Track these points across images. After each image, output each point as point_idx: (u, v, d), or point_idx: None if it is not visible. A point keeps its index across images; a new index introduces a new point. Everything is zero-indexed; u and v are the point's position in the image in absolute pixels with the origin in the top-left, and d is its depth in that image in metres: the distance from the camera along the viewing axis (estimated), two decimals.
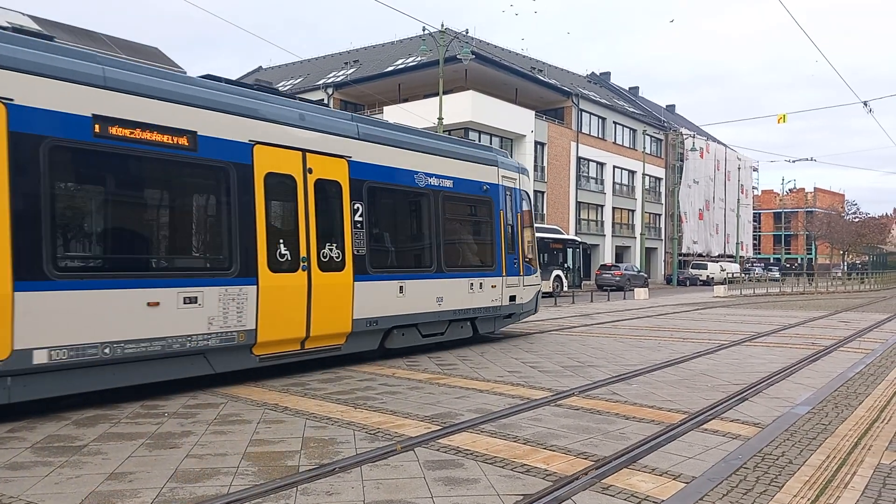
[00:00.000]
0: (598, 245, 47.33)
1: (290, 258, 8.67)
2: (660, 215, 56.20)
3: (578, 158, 44.86)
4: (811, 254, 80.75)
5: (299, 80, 45.92)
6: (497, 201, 12.62)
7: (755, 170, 70.97)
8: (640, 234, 48.37)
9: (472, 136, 35.25)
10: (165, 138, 7.42)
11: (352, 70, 43.65)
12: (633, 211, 51.79)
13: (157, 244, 7.89)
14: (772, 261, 79.11)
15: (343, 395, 7.82)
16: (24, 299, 6.27)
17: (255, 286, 8.20)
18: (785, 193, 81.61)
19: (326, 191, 9.30)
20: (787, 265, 74.48)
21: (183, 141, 7.59)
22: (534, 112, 40.14)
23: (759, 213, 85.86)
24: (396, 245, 10.79)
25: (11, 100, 6.25)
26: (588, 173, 46.97)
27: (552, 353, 11.56)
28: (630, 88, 63.58)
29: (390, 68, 40.18)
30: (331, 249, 9.25)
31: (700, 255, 57.50)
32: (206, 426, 6.33)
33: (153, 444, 5.72)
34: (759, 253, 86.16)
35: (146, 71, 7.60)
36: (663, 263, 55.94)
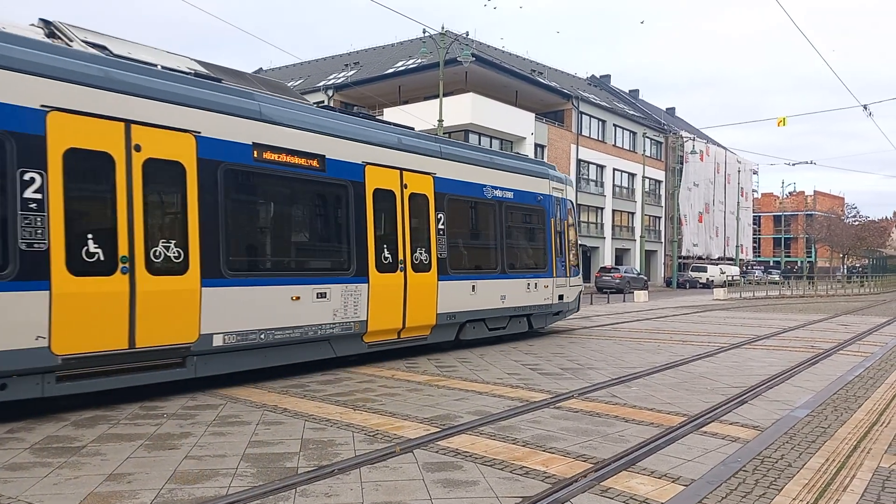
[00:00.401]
0: (597, 247, 47.34)
1: (391, 260, 10.26)
2: (660, 218, 56.23)
3: (578, 161, 44.89)
4: (811, 257, 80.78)
5: (300, 81, 45.94)
6: (548, 210, 14.22)
7: (755, 173, 70.99)
8: (640, 237, 48.40)
9: (472, 138, 35.28)
10: (303, 161, 9.00)
11: (352, 72, 43.68)
12: (632, 213, 51.81)
13: (297, 249, 9.48)
14: (771, 263, 79.14)
15: (342, 396, 7.82)
16: (207, 294, 7.75)
17: (367, 284, 9.81)
18: (785, 196, 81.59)
19: (417, 203, 10.92)
20: (788, 268, 74.47)
21: (315, 163, 9.16)
22: (534, 114, 40.17)
23: (759, 216, 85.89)
24: (469, 249, 12.38)
25: (199, 132, 7.80)
26: (588, 176, 47.00)
27: (552, 355, 11.56)
28: (630, 91, 63.66)
29: (391, 70, 40.21)
30: (421, 253, 10.88)
31: (700, 258, 57.52)
32: (205, 427, 6.32)
33: (152, 445, 5.72)
34: (759, 256, 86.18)
35: (287, 105, 9.16)
36: (663, 266, 55.95)
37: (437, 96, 28.26)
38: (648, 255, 52.67)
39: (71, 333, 6.62)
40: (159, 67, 7.98)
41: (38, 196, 6.47)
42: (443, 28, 26.97)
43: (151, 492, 4.56)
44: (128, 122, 7.18)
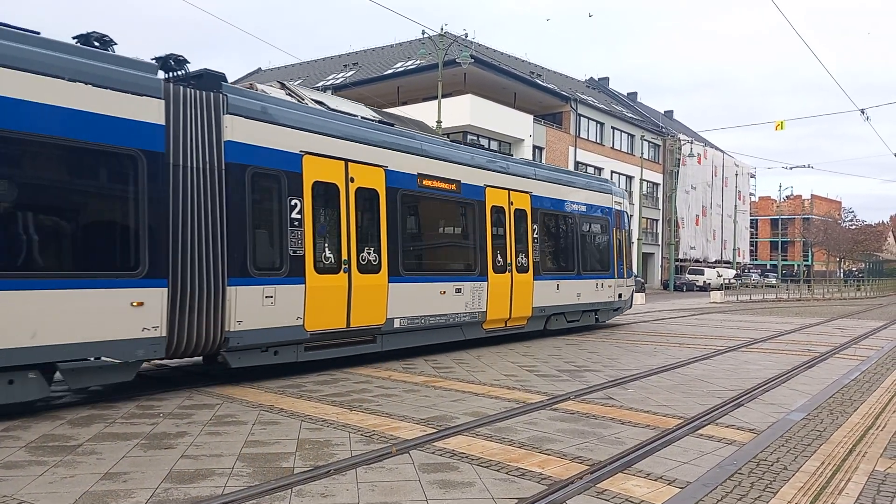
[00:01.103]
0: None
1: (502, 263, 12.80)
2: (657, 220, 56.27)
3: (576, 163, 44.91)
4: (808, 261, 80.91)
5: (298, 81, 45.85)
6: (611, 220, 16.78)
7: (752, 176, 71.12)
8: (637, 240, 48.42)
9: (471, 139, 35.27)
10: (447, 185, 11.61)
11: (351, 72, 43.66)
12: (630, 216, 51.75)
13: (443, 254, 12.11)
14: (768, 267, 79.24)
15: (339, 397, 7.82)
16: (392, 288, 10.33)
17: (487, 282, 12.35)
18: (782, 200, 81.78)
19: (519, 216, 13.43)
20: (785, 272, 74.59)
21: (454, 187, 11.75)
22: (532, 116, 40.18)
23: (756, 220, 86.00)
24: (555, 254, 14.78)
25: (387, 167, 10.36)
26: None
27: (548, 356, 11.57)
28: (628, 94, 63.72)
29: (389, 71, 40.18)
30: (522, 258, 13.33)
31: (697, 261, 57.57)
32: (201, 427, 6.32)
33: (148, 444, 5.71)
34: (756, 259, 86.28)
35: (435, 141, 12.02)
36: (660, 269, 55.98)
37: (435, 97, 28.25)
38: (645, 258, 52.69)
39: (315, 316, 9.13)
40: (359, 117, 10.67)
41: (299, 216, 8.97)
42: (442, 29, 26.97)
43: (147, 491, 4.55)
44: (346, 161, 9.72)
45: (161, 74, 8.05)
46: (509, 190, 13.15)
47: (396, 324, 10.48)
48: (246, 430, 6.23)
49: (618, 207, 17.18)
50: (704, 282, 50.29)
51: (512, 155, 16.65)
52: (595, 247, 16.21)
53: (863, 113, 26.02)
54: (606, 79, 62.60)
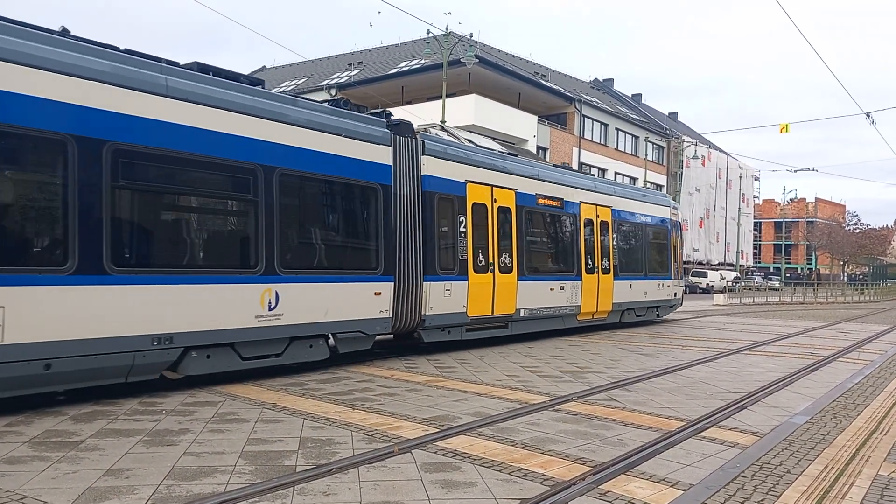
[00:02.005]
0: None
1: (591, 266, 15.46)
2: None
3: (580, 164, 44.87)
4: (811, 264, 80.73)
5: (303, 80, 45.94)
6: (669, 228, 19.49)
7: (757, 179, 70.97)
8: None
9: (475, 139, 35.24)
10: (554, 203, 14.39)
11: (356, 71, 43.67)
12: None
13: (552, 257, 14.66)
14: (772, 270, 79.10)
15: (341, 395, 7.82)
16: (520, 285, 13.01)
17: (581, 281, 15.09)
18: (786, 203, 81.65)
19: (603, 227, 16.14)
20: (790, 275, 74.44)
21: (558, 203, 14.54)
22: (536, 117, 40.15)
23: (760, 223, 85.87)
24: (628, 258, 17.35)
25: (516, 189, 13.11)
26: None
27: (551, 357, 11.56)
28: (633, 95, 63.65)
29: (394, 70, 40.19)
30: (604, 261, 16.02)
31: (700, 263, 57.47)
32: (203, 424, 6.32)
33: (150, 440, 5.71)
34: (760, 262, 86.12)
35: (545, 167, 15.38)
36: None
37: (440, 97, 28.25)
38: None
39: (473, 305, 11.90)
40: (496, 151, 13.86)
41: (464, 230, 11.77)
42: (447, 29, 26.96)
43: (149, 487, 4.55)
44: (491, 186, 12.53)
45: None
46: (596, 205, 15.97)
47: (522, 313, 13.24)
48: (248, 427, 6.23)
49: (674, 218, 20.01)
50: (707, 284, 50.19)
51: (647, 186, 19.37)
52: (657, 252, 18.82)
53: (868, 116, 25.99)
54: (611, 80, 62.53)
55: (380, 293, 10.06)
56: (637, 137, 51.90)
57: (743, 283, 48.55)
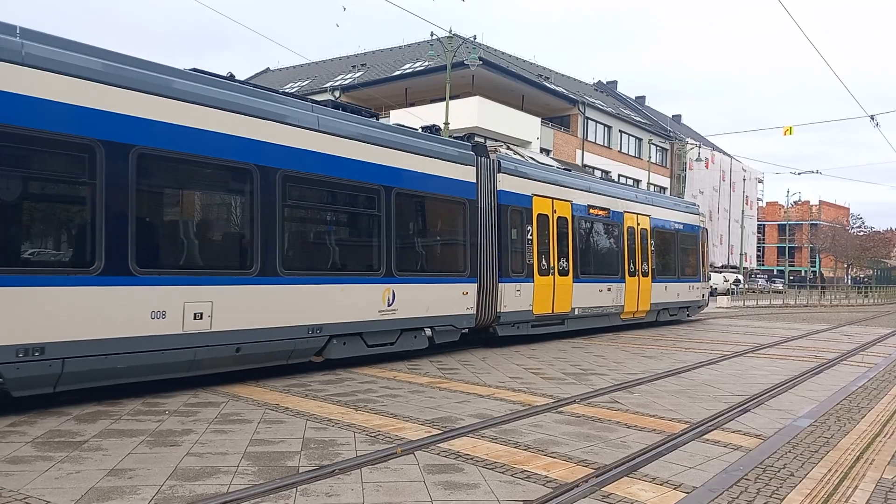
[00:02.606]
0: None
1: (633, 269, 17.22)
2: None
3: (583, 166, 44.83)
4: (815, 266, 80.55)
5: (307, 82, 45.98)
6: (698, 235, 21.41)
7: (760, 181, 70.78)
8: None
9: (478, 141, 35.23)
10: (602, 212, 16.13)
11: (359, 73, 43.70)
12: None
13: (601, 262, 16.16)
14: (775, 272, 78.91)
15: (344, 396, 7.82)
16: (575, 287, 14.72)
17: (624, 284, 16.75)
18: (790, 206, 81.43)
19: (643, 234, 17.92)
20: (791, 277, 74.27)
21: (605, 213, 16.26)
22: (540, 119, 40.12)
23: (764, 225, 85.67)
24: (663, 262, 19.03)
25: (572, 200, 14.90)
26: None
27: (554, 359, 11.54)
28: (636, 97, 63.56)
29: (398, 72, 40.22)
30: (643, 265, 17.66)
31: None
32: (206, 425, 6.32)
33: (154, 441, 5.72)
34: (763, 264, 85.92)
35: (594, 179, 17.68)
36: None
37: (443, 99, 28.22)
38: None
39: (538, 304, 13.59)
40: (554, 167, 16.49)
41: (530, 238, 13.51)
42: (451, 31, 26.97)
43: (152, 488, 4.56)
44: (552, 199, 14.24)
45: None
46: (637, 214, 17.69)
47: (576, 312, 14.86)
48: (251, 428, 6.24)
49: (702, 225, 22.02)
50: (711, 286, 49.97)
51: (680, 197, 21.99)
52: (688, 256, 20.61)
53: (872, 119, 25.90)
54: (615, 82, 62.45)
55: (467, 293, 11.87)
56: (640, 140, 51.85)
57: (746, 286, 48.34)
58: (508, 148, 15.58)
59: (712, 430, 6.60)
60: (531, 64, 47.87)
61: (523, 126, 38.29)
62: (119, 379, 7.23)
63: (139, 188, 7.27)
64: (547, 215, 14.03)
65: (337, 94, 40.93)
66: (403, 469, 5.12)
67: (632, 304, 17.14)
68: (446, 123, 26.42)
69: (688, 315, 21.05)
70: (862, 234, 69.11)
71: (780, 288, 55.52)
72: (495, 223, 12.57)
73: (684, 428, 6.64)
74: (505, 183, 12.91)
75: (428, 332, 11.11)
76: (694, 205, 22.73)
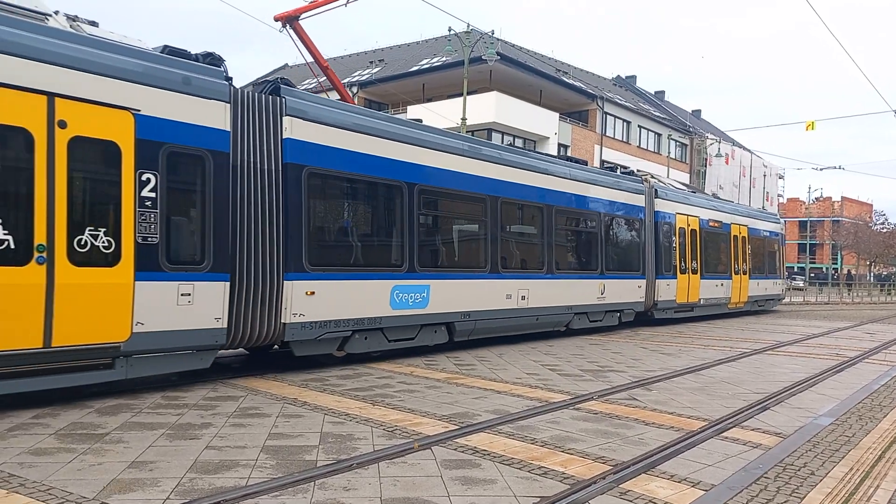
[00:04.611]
0: None
1: (737, 269, 21.81)
2: None
3: (602, 162, 44.52)
4: (836, 263, 79.50)
5: (324, 77, 46.06)
6: (779, 239, 26.35)
7: (781, 177, 69.90)
8: None
9: (496, 137, 35.18)
10: (717, 224, 20.52)
11: (377, 69, 43.73)
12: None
13: (717, 262, 20.36)
14: (796, 269, 77.99)
15: (361, 391, 7.85)
16: (702, 283, 19.30)
17: (731, 280, 21.47)
18: (811, 202, 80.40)
19: (742, 240, 22.20)
20: (812, 274, 73.33)
21: (719, 225, 20.62)
22: (558, 114, 39.91)
23: (784, 221, 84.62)
24: (757, 263, 23.70)
25: (699, 216, 19.56)
26: None
27: (571, 356, 11.51)
28: (656, 92, 63.02)
29: (415, 68, 40.18)
30: (744, 266, 22.37)
31: None
32: (225, 418, 6.38)
33: (174, 434, 5.78)
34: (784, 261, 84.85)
35: (710, 197, 23.18)
36: None
37: (460, 94, 28.18)
38: None
39: (679, 295, 18.16)
40: (686, 190, 20.99)
41: (674, 245, 18.01)
42: (468, 26, 26.90)
43: (172, 480, 4.61)
44: (687, 216, 18.57)
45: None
46: (739, 225, 22.15)
47: (701, 302, 19.43)
48: (270, 422, 6.29)
49: (782, 231, 27.19)
50: None
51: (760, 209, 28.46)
52: (772, 258, 25.39)
53: None
54: (634, 77, 61.99)
55: (640, 286, 16.69)
56: (660, 135, 51.39)
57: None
58: (652, 176, 19.41)
59: (731, 428, 6.55)
60: (549, 59, 47.60)
61: (541, 121, 38.13)
62: (492, 333, 12.40)
63: (503, 224, 12.50)
64: (685, 228, 18.64)
65: (355, 89, 41.01)
66: (420, 464, 5.14)
67: (736, 296, 21.67)
68: (463, 119, 26.39)
69: (772, 306, 26.41)
70: (885, 230, 67.99)
71: (801, 285, 54.83)
72: (654, 235, 17.38)
73: (703, 425, 6.60)
74: (659, 205, 17.76)
75: (617, 314, 16.02)
76: (776, 215, 29.43)
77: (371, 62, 46.04)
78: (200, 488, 4.48)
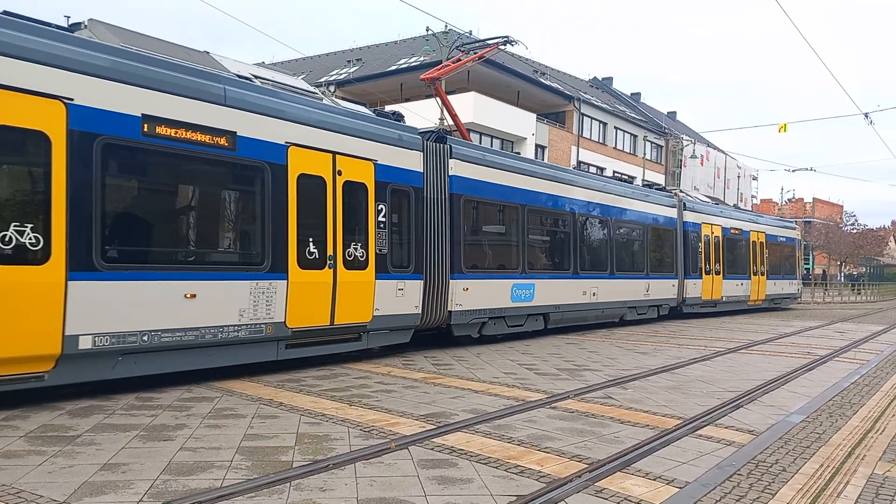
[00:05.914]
0: None
1: (755, 270, 24.96)
2: None
3: (579, 162, 44.80)
4: (807, 264, 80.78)
5: (302, 76, 45.65)
6: (796, 244, 29.65)
7: (755, 178, 70.87)
8: None
9: (474, 137, 35.22)
10: (737, 231, 23.79)
11: (354, 68, 43.56)
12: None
13: (736, 266, 23.72)
14: None
15: (338, 392, 7.82)
16: (724, 282, 22.41)
17: (750, 281, 24.58)
18: (784, 203, 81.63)
19: (760, 245, 25.25)
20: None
21: (739, 232, 24.00)
22: (535, 115, 40.10)
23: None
24: (775, 265, 26.83)
25: (721, 225, 23.10)
26: None
27: (548, 355, 11.56)
28: (632, 94, 63.54)
29: (393, 67, 40.09)
30: (761, 267, 25.28)
31: None
32: (200, 419, 6.32)
33: (147, 436, 5.71)
34: None
35: (732, 210, 27.01)
36: None
37: (438, 94, 28.17)
38: None
39: (704, 293, 21.26)
40: (710, 203, 24.83)
41: (700, 250, 20.89)
42: (446, 26, 26.92)
43: (146, 482, 4.55)
44: (710, 224, 21.83)
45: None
46: (757, 231, 25.34)
47: (724, 299, 22.34)
48: (245, 423, 6.23)
49: (797, 236, 30.40)
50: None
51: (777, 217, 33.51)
52: (788, 261, 28.50)
53: (867, 117, 25.95)
54: (610, 78, 62.47)
55: (674, 285, 19.72)
56: (636, 136, 51.86)
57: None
58: (680, 190, 22.07)
59: (705, 426, 6.63)
60: (526, 60, 47.76)
61: (519, 122, 38.29)
62: (573, 322, 15.27)
63: (583, 234, 15.71)
64: (709, 235, 21.28)
65: (332, 88, 40.79)
66: (397, 464, 5.13)
67: (754, 294, 24.54)
68: (441, 119, 26.37)
69: (788, 303, 29.60)
70: (855, 231, 69.28)
71: None
72: (684, 242, 20.14)
73: (677, 423, 6.67)
74: (687, 216, 20.54)
75: (655, 308, 18.93)
76: (793, 222, 33.42)
77: (349, 61, 45.85)
78: (174, 490, 4.43)
